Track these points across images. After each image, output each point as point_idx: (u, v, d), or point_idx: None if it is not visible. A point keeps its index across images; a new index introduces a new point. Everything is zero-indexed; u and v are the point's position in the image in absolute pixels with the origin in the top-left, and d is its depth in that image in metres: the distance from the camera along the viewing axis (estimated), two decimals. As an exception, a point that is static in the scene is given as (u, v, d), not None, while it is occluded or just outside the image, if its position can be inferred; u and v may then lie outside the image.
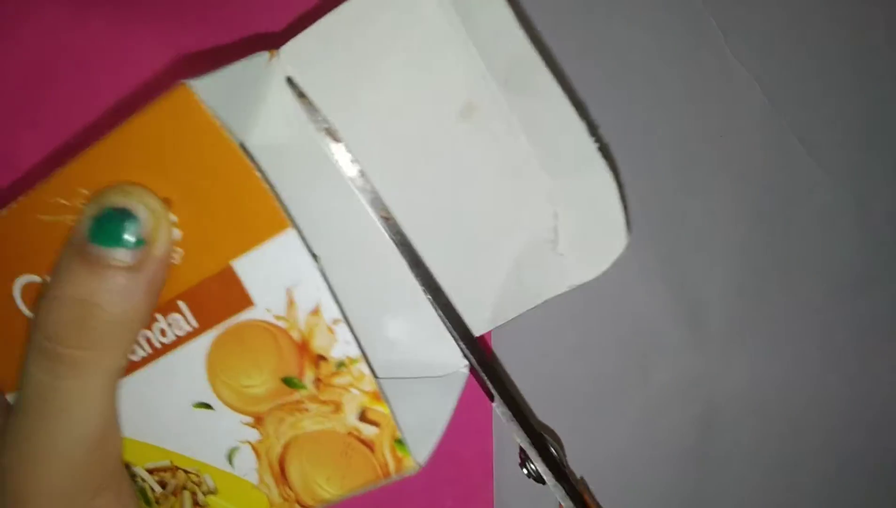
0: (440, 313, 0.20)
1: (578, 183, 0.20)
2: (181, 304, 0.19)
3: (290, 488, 0.19)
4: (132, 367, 0.20)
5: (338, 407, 0.18)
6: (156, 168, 0.18)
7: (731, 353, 0.36)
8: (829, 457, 0.37)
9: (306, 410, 0.19)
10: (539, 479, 0.26)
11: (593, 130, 0.20)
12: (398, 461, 0.19)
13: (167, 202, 0.18)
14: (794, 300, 0.37)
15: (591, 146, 0.20)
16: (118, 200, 0.18)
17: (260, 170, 0.17)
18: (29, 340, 0.19)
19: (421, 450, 0.19)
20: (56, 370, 0.18)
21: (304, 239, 0.17)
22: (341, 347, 0.18)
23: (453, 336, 0.21)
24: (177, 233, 0.18)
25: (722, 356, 0.36)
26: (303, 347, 0.18)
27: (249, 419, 0.19)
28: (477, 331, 0.22)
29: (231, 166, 0.17)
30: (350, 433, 0.19)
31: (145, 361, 0.19)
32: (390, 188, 0.20)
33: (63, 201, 0.19)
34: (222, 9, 0.37)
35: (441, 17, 0.19)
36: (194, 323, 0.19)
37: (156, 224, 0.18)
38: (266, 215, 0.17)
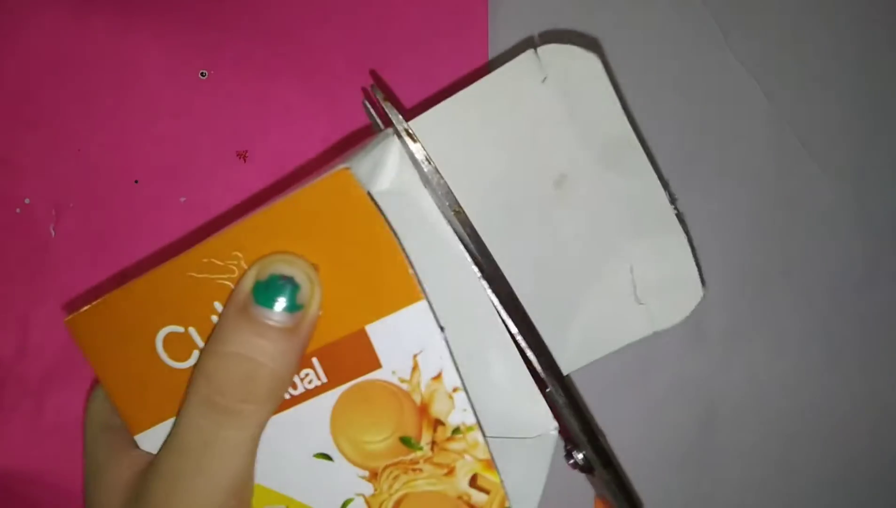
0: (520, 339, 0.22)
1: (657, 244, 0.23)
2: (314, 360, 0.20)
3: None
4: None
5: (451, 471, 0.19)
6: (309, 237, 0.19)
7: (732, 353, 0.36)
8: (829, 457, 0.37)
9: (420, 470, 0.20)
10: (585, 468, 0.25)
11: (673, 199, 0.23)
12: None
13: (316, 268, 0.20)
14: (795, 300, 0.37)
15: (671, 215, 0.23)
16: (283, 267, 0.19)
17: (401, 244, 0.19)
18: (191, 389, 0.20)
19: None
20: (219, 420, 0.20)
21: (433, 310, 0.19)
22: (459, 414, 0.19)
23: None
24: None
25: (722, 356, 0.36)
26: (423, 410, 0.19)
27: (366, 474, 0.20)
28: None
29: (379, 241, 0.19)
30: (460, 497, 0.19)
31: (277, 410, 0.21)
32: (490, 243, 0.22)
33: (217, 262, 0.20)
34: (222, 8, 0.37)
35: (546, 98, 0.22)
36: (324, 379, 0.20)
37: (311, 291, 0.19)
38: (403, 286, 0.19)
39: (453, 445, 0.19)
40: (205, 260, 0.20)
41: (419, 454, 0.20)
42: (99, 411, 0.24)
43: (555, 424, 0.22)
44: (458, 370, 0.19)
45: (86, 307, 0.23)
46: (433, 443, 0.19)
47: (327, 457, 0.20)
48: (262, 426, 0.20)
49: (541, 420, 0.21)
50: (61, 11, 0.37)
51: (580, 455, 0.25)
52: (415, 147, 0.21)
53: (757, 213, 0.37)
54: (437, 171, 0.21)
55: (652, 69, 0.37)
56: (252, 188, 0.36)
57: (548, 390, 0.23)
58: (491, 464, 0.19)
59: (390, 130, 0.22)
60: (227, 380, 0.20)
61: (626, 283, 0.23)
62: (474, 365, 0.21)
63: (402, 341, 0.19)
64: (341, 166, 0.19)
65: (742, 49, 0.36)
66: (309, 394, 0.20)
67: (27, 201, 0.37)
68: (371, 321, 0.19)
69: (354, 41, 0.37)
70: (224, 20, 0.37)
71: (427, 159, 0.21)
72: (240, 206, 0.36)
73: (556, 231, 0.23)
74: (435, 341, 0.19)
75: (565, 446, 0.25)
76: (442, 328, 0.19)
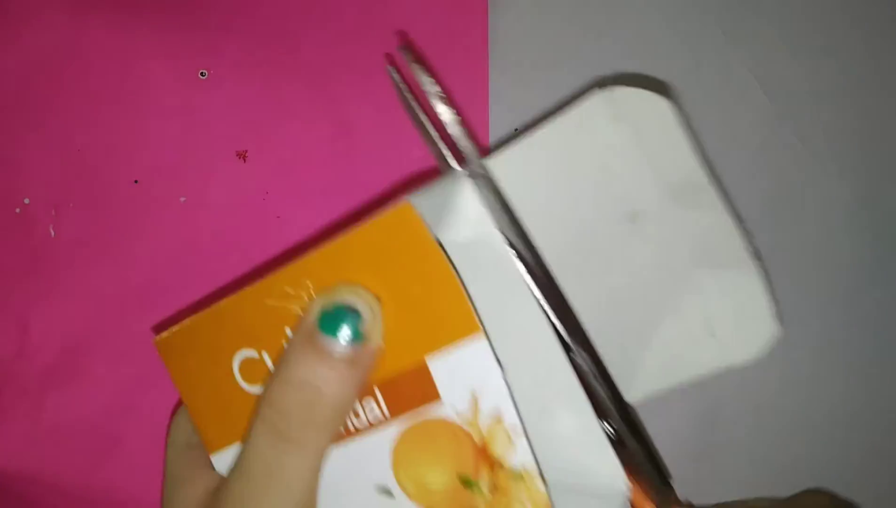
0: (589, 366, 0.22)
1: (729, 278, 0.23)
2: (377, 390, 0.20)
3: None
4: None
5: None
6: (374, 270, 0.20)
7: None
8: (829, 456, 0.37)
9: None
10: (614, 440, 0.24)
11: (750, 237, 0.24)
12: None
13: (379, 300, 0.20)
14: (794, 300, 0.37)
15: (744, 252, 0.23)
16: (348, 298, 0.20)
17: (460, 277, 0.19)
18: (257, 414, 0.21)
19: None
20: (282, 448, 0.20)
21: (492, 347, 0.19)
22: (520, 457, 0.19)
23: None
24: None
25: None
26: (482, 450, 0.19)
27: None
28: (629, 399, 0.25)
29: (438, 274, 0.19)
30: None
31: (339, 440, 0.21)
32: (562, 277, 0.23)
33: (290, 290, 0.21)
34: (222, 8, 0.37)
35: (618, 138, 0.22)
36: (387, 412, 0.20)
37: (373, 322, 0.20)
38: (462, 318, 0.19)
39: (514, 490, 0.19)
40: (280, 288, 0.21)
41: (479, 498, 0.19)
42: (182, 428, 0.25)
43: (626, 480, 0.21)
44: (517, 410, 0.19)
45: (173, 328, 0.24)
46: (493, 486, 0.19)
47: (389, 493, 0.20)
48: (322, 455, 0.21)
49: (611, 475, 0.20)
50: (61, 11, 0.37)
51: (609, 427, 0.24)
52: (490, 189, 0.22)
53: (756, 212, 0.37)
54: (512, 211, 0.22)
55: (652, 68, 0.37)
56: (252, 188, 0.36)
57: (573, 355, 0.23)
58: None
59: (464, 171, 0.22)
60: (289, 406, 0.20)
61: (698, 316, 0.24)
62: (543, 415, 0.21)
63: (462, 375, 0.19)
64: (403, 201, 0.19)
65: (741, 49, 0.36)
66: (371, 427, 0.21)
67: (26, 200, 0.37)
68: (431, 352, 0.20)
69: (354, 41, 0.37)
70: (224, 20, 0.37)
71: (504, 203, 0.22)
72: (240, 206, 0.36)
73: (630, 265, 0.24)
74: (495, 378, 0.19)
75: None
76: (501, 367, 0.19)
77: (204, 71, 0.37)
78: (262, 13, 0.37)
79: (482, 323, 0.19)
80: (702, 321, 0.24)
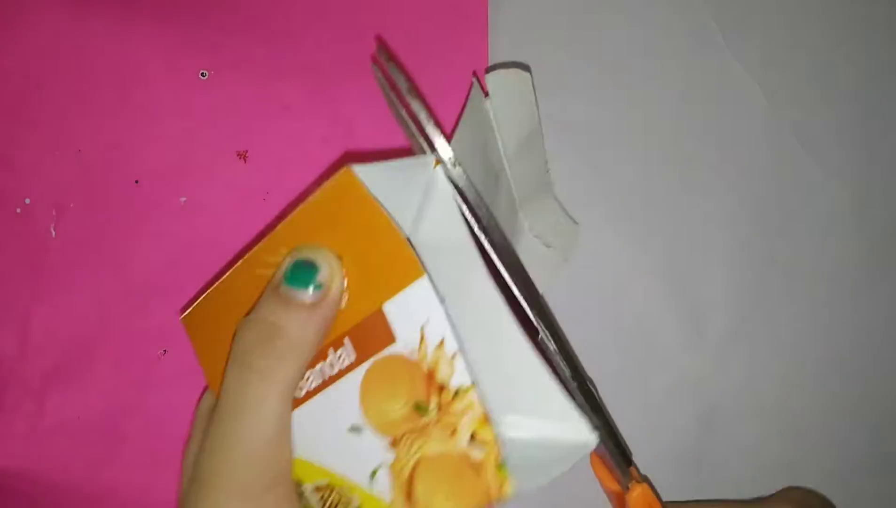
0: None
1: (542, 205, 0.31)
2: (346, 340, 0.23)
3: (416, 507, 0.22)
4: (309, 395, 0.24)
5: (454, 431, 0.21)
6: (332, 231, 0.23)
7: (731, 353, 0.36)
8: (828, 457, 0.37)
9: (430, 434, 0.21)
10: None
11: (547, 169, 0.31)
12: (499, 484, 0.20)
13: (339, 258, 0.23)
14: (794, 301, 0.37)
15: (548, 181, 0.30)
16: (308, 254, 0.23)
17: (402, 230, 0.21)
18: (229, 355, 0.24)
19: (525, 482, 0.21)
20: (245, 377, 0.23)
21: (434, 284, 0.21)
22: (458, 376, 0.21)
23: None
24: (345, 282, 0.23)
25: (721, 357, 0.36)
26: (430, 377, 0.21)
27: (389, 442, 0.22)
28: None
29: (383, 230, 0.21)
30: (463, 456, 0.21)
31: (318, 389, 0.23)
32: None
33: (270, 259, 0.24)
34: (222, 9, 0.37)
35: (490, 113, 0.29)
36: (354, 356, 0.23)
37: (331, 275, 0.23)
38: (408, 266, 0.21)
39: (455, 406, 0.21)
40: (262, 258, 0.24)
41: (429, 418, 0.21)
42: (206, 399, 0.28)
43: (591, 432, 0.22)
44: (457, 336, 0.21)
45: (193, 305, 0.27)
46: (439, 407, 0.21)
47: (358, 430, 0.22)
48: (285, 386, 0.23)
49: (576, 430, 0.22)
50: (61, 12, 0.37)
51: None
52: (457, 172, 0.24)
53: (756, 212, 0.37)
54: (470, 202, 0.24)
55: (651, 69, 0.37)
56: (252, 188, 0.36)
57: (539, 336, 0.26)
58: (487, 419, 0.20)
59: (430, 157, 0.25)
60: (252, 341, 0.23)
61: (535, 238, 0.30)
62: (506, 384, 0.22)
63: (411, 315, 0.21)
64: (344, 167, 0.22)
65: (741, 49, 0.36)
66: (342, 373, 0.23)
67: (27, 201, 0.37)
68: (386, 299, 0.22)
69: (354, 41, 0.37)
70: (224, 21, 0.37)
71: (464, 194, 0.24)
72: (240, 206, 0.37)
73: (498, 212, 0.29)
74: (436, 312, 0.21)
75: None
76: (442, 300, 0.21)
77: (204, 71, 0.37)
78: (262, 14, 0.37)
79: (425, 267, 0.21)
80: (538, 240, 0.30)
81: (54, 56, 0.37)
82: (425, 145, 0.25)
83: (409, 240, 0.22)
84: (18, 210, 0.37)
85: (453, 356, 0.21)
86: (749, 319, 0.37)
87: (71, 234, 0.37)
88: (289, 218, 0.24)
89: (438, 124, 0.25)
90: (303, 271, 0.23)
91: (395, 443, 0.22)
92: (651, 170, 0.36)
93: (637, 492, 0.27)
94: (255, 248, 0.25)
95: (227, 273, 0.25)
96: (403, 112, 0.26)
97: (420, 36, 0.37)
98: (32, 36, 0.37)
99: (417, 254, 0.21)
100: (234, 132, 0.37)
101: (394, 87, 0.26)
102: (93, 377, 0.36)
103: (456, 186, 0.24)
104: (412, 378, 0.21)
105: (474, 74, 0.31)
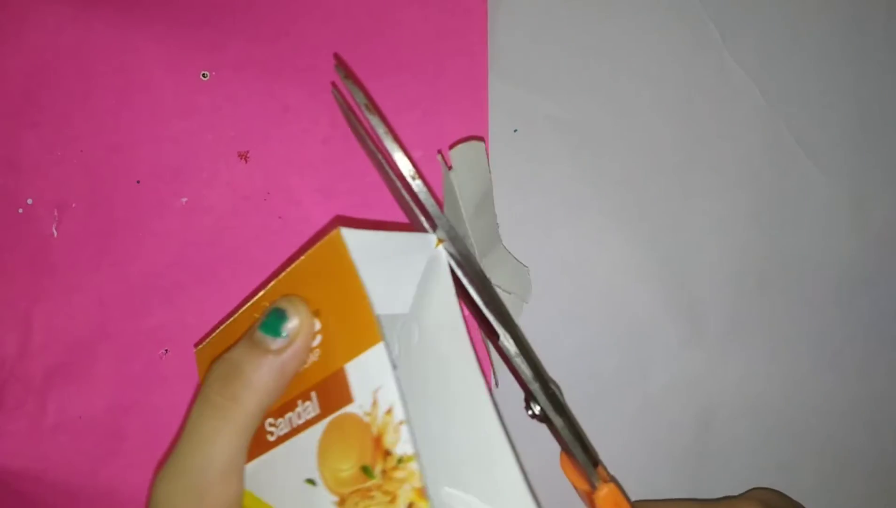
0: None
1: (498, 258, 0.35)
2: (313, 394, 0.24)
3: None
4: (279, 441, 0.25)
5: (394, 499, 0.21)
6: (315, 288, 0.24)
7: (729, 352, 0.37)
8: (826, 456, 0.37)
9: (373, 497, 0.22)
10: (542, 418, 0.28)
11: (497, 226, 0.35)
12: None
13: (317, 313, 0.24)
14: (792, 300, 0.37)
15: (497, 235, 0.35)
16: (284, 305, 0.24)
17: (369, 297, 0.22)
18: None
19: None
20: (203, 410, 0.24)
21: (389, 351, 0.22)
22: (403, 445, 0.21)
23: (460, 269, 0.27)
24: (319, 338, 0.24)
25: (720, 356, 0.37)
26: (378, 441, 0.22)
27: (337, 499, 0.22)
28: None
29: (354, 294, 0.23)
30: None
31: (286, 437, 0.24)
32: None
33: (266, 304, 0.25)
34: (223, 10, 0.37)
35: (455, 179, 0.32)
36: (317, 410, 0.23)
37: (299, 327, 0.24)
38: (368, 331, 0.22)
39: (397, 473, 0.21)
40: (261, 305, 0.26)
41: (373, 482, 0.22)
42: None
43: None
44: (405, 405, 0.21)
45: (206, 341, 0.29)
46: (384, 472, 0.22)
47: (313, 483, 0.23)
48: (239, 423, 0.24)
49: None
50: (63, 13, 0.37)
51: (538, 407, 0.28)
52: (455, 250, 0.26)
53: (754, 213, 0.37)
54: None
55: (650, 70, 0.37)
56: (253, 188, 0.37)
57: (500, 340, 0.27)
58: (423, 493, 0.21)
59: (433, 236, 0.26)
60: (215, 376, 0.24)
61: (498, 285, 0.34)
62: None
63: (368, 379, 0.22)
64: (335, 229, 0.23)
65: (740, 51, 0.37)
66: (307, 424, 0.24)
67: (29, 201, 0.37)
68: (347, 360, 0.23)
69: (354, 42, 0.37)
70: (225, 22, 0.37)
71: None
72: (241, 206, 0.37)
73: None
74: (389, 378, 0.22)
75: (525, 398, 0.28)
76: (395, 367, 0.22)
77: (206, 72, 0.37)
78: (264, 15, 0.37)
79: (383, 334, 0.22)
80: (499, 288, 0.34)
81: (56, 57, 0.37)
82: (426, 224, 0.26)
83: (410, 314, 0.24)
84: (20, 210, 0.37)
85: (400, 424, 0.21)
86: (747, 318, 0.37)
87: (73, 234, 0.37)
88: (288, 270, 0.25)
89: (397, 140, 0.26)
90: (275, 320, 0.24)
91: (342, 502, 0.22)
92: (649, 169, 0.37)
93: (604, 492, 0.28)
94: (260, 294, 0.26)
95: (237, 313, 0.27)
96: (363, 131, 0.28)
97: (420, 36, 0.37)
98: (35, 37, 0.37)
99: (403, 327, 0.23)
100: (235, 133, 0.37)
101: (351, 108, 0.27)
102: (94, 377, 0.36)
103: (458, 262, 0.26)
104: (363, 440, 0.22)
105: (439, 152, 0.35)
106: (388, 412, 0.21)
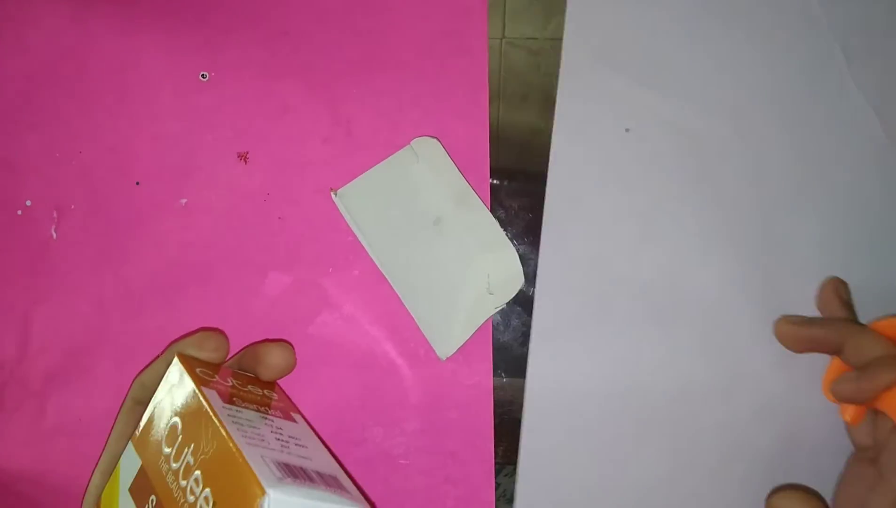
0: None
1: (498, 257, 0.36)
2: None
3: None
4: None
5: None
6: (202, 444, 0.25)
7: (818, 377, 0.35)
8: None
9: None
10: None
11: (502, 224, 0.36)
12: None
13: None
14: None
15: (501, 234, 0.36)
16: None
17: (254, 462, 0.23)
18: None
19: None
20: None
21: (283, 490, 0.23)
22: None
23: None
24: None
25: (808, 380, 0.35)
26: None
27: None
28: (455, 342, 0.35)
29: (234, 460, 0.23)
30: None
31: None
32: (392, 264, 0.36)
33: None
34: (222, 11, 0.37)
35: (421, 173, 0.36)
36: None
37: None
38: (253, 487, 0.22)
39: None
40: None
41: None
42: (136, 388, 0.31)
43: None
44: None
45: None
46: None
47: None
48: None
49: None
50: (63, 15, 0.37)
51: None
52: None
53: (858, 240, 0.35)
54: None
55: (773, 89, 0.36)
56: (252, 189, 0.36)
57: None
58: None
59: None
60: None
61: (482, 283, 0.36)
62: None
63: None
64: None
65: (862, 76, 0.36)
66: None
67: (28, 203, 0.37)
68: None
69: (354, 42, 0.37)
70: (225, 22, 0.37)
71: None
72: (241, 207, 0.37)
73: (438, 255, 0.36)
74: None
75: None
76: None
77: (205, 73, 0.37)
78: (263, 16, 0.37)
79: (265, 486, 0.22)
80: (484, 285, 0.35)
81: (55, 58, 0.37)
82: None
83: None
84: (19, 212, 0.37)
85: None
86: None
87: (72, 235, 0.37)
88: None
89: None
90: None
91: None
92: (757, 186, 0.36)
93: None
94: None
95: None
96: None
97: (420, 36, 0.37)
98: (34, 39, 0.37)
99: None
100: (234, 134, 0.37)
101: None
102: (94, 379, 0.36)
103: None
104: None
105: (332, 189, 0.36)
106: None
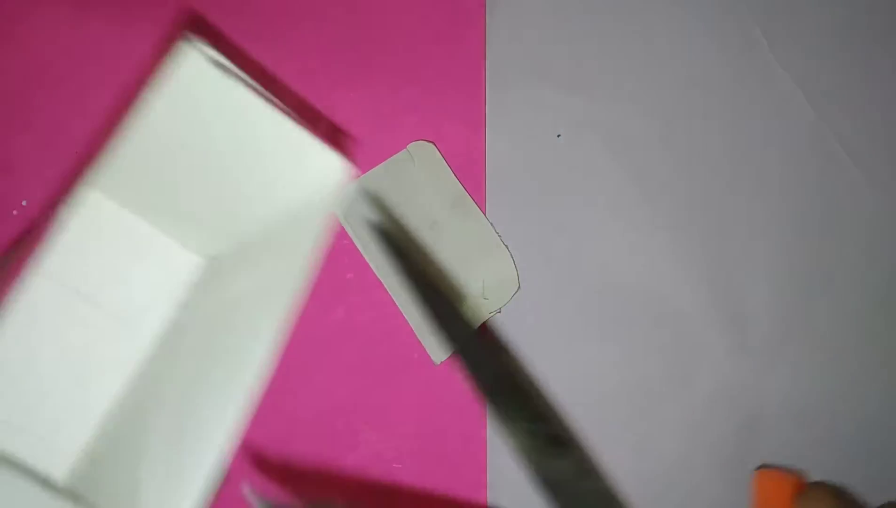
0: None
1: (494, 262, 0.37)
2: None
3: None
4: None
5: None
6: None
7: (775, 361, 0.36)
8: (873, 466, 0.37)
9: None
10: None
11: (495, 229, 0.37)
12: None
13: None
14: (838, 308, 0.37)
15: (497, 239, 0.37)
16: None
17: None
18: None
19: None
20: None
21: None
22: None
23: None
24: None
25: (766, 364, 0.36)
26: None
27: None
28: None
29: None
30: None
31: None
32: (387, 268, 0.35)
33: None
34: (221, 10, 0.37)
35: (419, 174, 0.37)
36: None
37: None
38: None
39: None
40: None
41: None
42: None
43: None
44: None
45: None
46: None
47: None
48: None
49: None
50: (59, 14, 0.37)
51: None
52: None
53: (800, 220, 0.36)
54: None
55: (697, 76, 0.36)
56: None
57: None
58: None
59: None
60: None
61: (478, 287, 0.36)
62: None
63: None
64: None
65: (786, 57, 0.36)
66: None
67: (24, 203, 0.37)
68: None
69: (352, 44, 0.37)
70: (224, 24, 0.37)
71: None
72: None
73: (433, 257, 0.36)
74: None
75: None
76: None
77: (201, 74, 0.37)
78: (262, 15, 0.37)
79: None
80: (479, 289, 0.36)
81: (52, 57, 0.37)
82: None
83: None
84: (15, 212, 0.37)
85: None
86: (793, 327, 0.36)
87: (68, 236, 0.37)
88: None
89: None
90: None
91: None
92: (694, 175, 0.36)
93: None
94: None
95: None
96: None
97: (418, 39, 0.37)
98: (30, 37, 0.37)
99: None
100: (231, 135, 0.37)
101: None
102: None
103: None
104: None
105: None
106: None
